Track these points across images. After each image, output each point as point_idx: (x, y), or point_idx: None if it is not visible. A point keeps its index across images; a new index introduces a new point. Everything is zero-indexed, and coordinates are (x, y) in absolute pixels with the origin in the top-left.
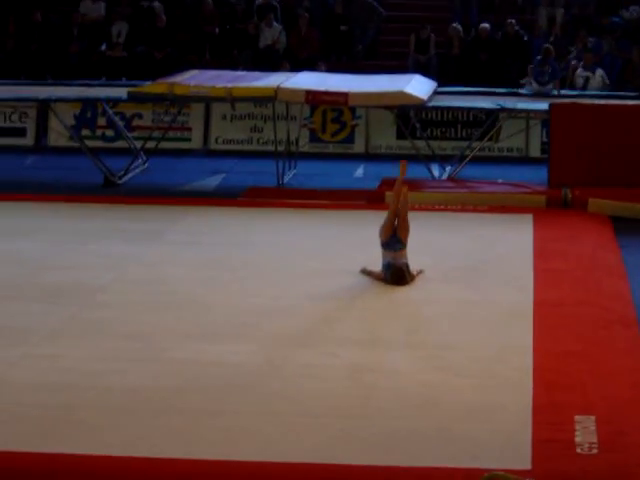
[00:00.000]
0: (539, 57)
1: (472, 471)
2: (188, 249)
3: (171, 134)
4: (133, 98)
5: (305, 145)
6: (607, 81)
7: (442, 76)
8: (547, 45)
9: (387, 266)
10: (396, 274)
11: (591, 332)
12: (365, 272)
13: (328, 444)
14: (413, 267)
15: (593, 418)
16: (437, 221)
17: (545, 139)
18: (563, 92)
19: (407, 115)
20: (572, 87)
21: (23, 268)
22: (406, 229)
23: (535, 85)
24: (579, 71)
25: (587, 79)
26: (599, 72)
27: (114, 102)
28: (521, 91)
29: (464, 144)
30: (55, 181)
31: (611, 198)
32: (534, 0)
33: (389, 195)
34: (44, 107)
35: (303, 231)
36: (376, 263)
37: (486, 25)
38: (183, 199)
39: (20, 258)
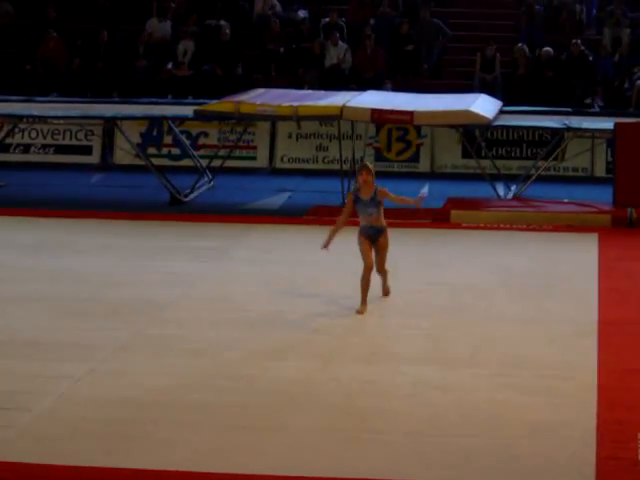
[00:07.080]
0: None
1: None
2: (253, 266)
3: (237, 153)
4: (199, 116)
5: (370, 164)
6: None
7: (507, 95)
8: None
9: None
10: None
11: None
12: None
13: (392, 461)
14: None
15: None
16: (502, 240)
17: (610, 158)
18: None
19: (472, 134)
20: (637, 107)
21: (89, 285)
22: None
23: None
24: None
25: None
26: None
27: (180, 120)
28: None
29: (529, 163)
30: (121, 199)
31: None
32: (599, 20)
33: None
34: (110, 125)
35: None
36: (440, 279)
37: (549, 49)
38: (248, 217)
39: (86, 275)
